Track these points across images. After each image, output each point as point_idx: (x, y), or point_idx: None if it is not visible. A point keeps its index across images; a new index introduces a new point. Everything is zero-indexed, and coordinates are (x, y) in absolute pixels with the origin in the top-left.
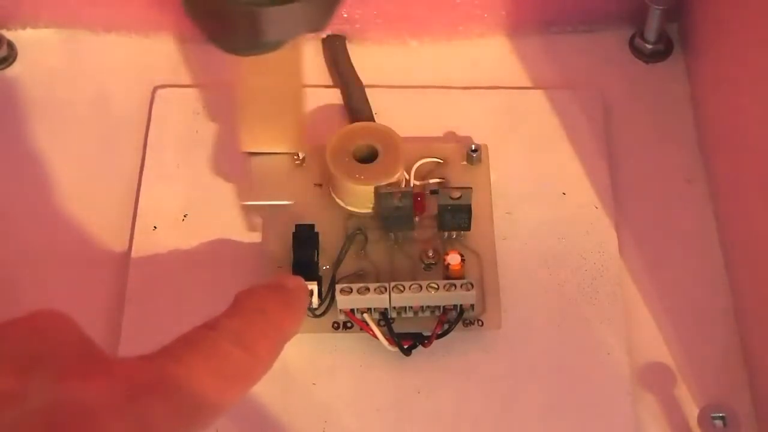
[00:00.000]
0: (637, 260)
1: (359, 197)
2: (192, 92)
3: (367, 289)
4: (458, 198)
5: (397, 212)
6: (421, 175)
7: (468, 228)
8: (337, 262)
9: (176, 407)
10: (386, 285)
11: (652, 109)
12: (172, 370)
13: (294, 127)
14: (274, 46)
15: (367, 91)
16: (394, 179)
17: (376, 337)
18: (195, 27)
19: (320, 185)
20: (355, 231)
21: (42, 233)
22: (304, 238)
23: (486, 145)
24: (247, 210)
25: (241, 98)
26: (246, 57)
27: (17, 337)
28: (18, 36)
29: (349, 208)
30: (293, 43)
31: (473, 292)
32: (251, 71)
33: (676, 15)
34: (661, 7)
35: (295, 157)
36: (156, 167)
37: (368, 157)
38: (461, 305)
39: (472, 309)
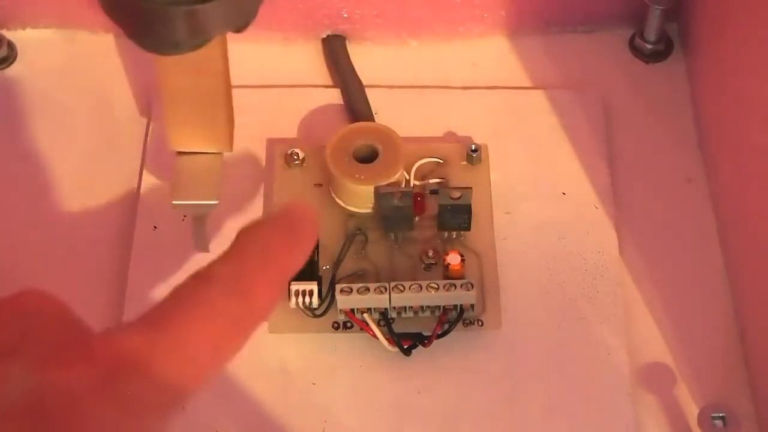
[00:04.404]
0: (637, 260)
1: (359, 197)
2: None
3: (367, 289)
4: (458, 198)
5: (397, 212)
6: (421, 175)
7: (468, 228)
8: (337, 262)
9: (160, 382)
10: (386, 285)
11: (652, 109)
12: (157, 342)
13: (222, 127)
14: (194, 45)
15: (367, 91)
16: (394, 179)
17: (376, 337)
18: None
19: (320, 185)
20: (355, 231)
21: (42, 233)
22: None
23: (486, 145)
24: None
25: (165, 97)
26: (167, 56)
27: None
28: (18, 36)
29: (349, 208)
30: (215, 42)
31: (473, 292)
32: (174, 70)
33: (676, 15)
34: (661, 7)
35: (295, 156)
36: (156, 167)
37: (368, 157)
38: (461, 305)
39: (472, 309)
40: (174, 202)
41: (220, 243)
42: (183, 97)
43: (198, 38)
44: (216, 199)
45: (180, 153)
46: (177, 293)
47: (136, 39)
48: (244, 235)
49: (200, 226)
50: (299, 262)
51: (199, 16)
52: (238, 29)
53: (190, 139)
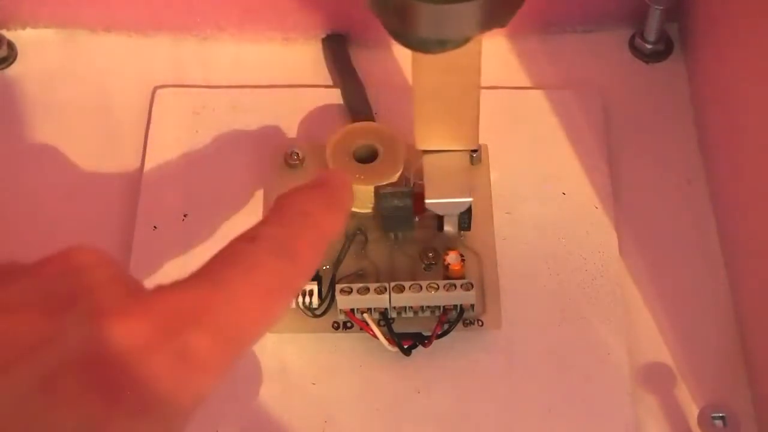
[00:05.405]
0: (637, 260)
1: (359, 197)
2: (192, 92)
3: (367, 289)
4: None
5: (397, 212)
6: (421, 175)
7: (468, 228)
8: (337, 262)
9: (218, 336)
10: (386, 285)
11: (652, 109)
12: (212, 297)
13: (471, 125)
14: (458, 43)
15: (367, 91)
16: (394, 179)
17: (376, 337)
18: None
19: None
20: (355, 231)
21: (42, 233)
22: None
23: (486, 145)
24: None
25: (418, 96)
26: (427, 54)
27: (50, 276)
28: (18, 36)
29: None
30: (474, 41)
31: (473, 292)
32: (431, 68)
33: (676, 15)
34: (661, 7)
35: (295, 156)
36: (156, 167)
37: (368, 157)
38: (461, 305)
39: (472, 309)
40: (428, 201)
41: (220, 243)
42: (437, 95)
43: (464, 36)
44: (470, 196)
45: (425, 152)
46: (225, 252)
47: (401, 38)
48: (283, 200)
49: (451, 225)
50: (338, 225)
51: (471, 13)
52: (499, 26)
53: (438, 137)
